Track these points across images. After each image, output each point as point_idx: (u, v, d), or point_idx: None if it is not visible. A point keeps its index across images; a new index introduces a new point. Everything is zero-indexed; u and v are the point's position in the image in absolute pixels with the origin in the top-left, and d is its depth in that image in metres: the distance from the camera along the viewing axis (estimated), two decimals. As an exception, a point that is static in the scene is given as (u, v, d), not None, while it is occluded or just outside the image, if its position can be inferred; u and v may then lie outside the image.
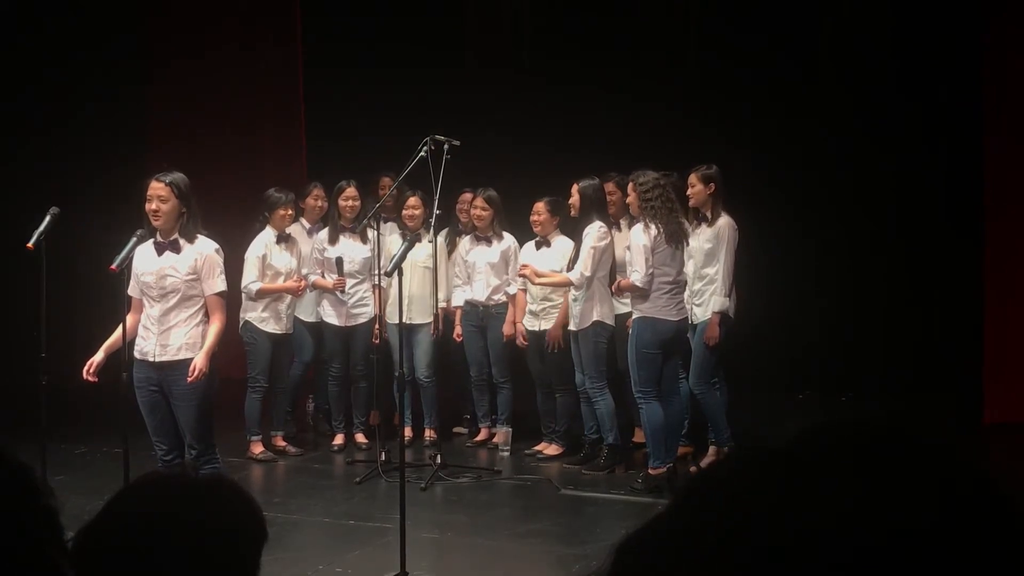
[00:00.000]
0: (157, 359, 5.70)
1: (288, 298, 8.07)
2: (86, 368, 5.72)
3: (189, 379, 5.59)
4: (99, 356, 5.75)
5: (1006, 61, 8.58)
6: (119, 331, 5.70)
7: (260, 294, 7.88)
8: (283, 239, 8.04)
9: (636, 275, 6.96)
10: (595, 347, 7.52)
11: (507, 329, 8.19)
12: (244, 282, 7.81)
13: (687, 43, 9.82)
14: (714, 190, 7.30)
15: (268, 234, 7.99)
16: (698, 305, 7.36)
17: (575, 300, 7.56)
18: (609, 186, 7.82)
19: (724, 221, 7.29)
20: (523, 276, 7.79)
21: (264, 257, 7.91)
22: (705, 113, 9.60)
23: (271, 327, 8.00)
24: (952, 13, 8.98)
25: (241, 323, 7.96)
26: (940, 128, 9.20)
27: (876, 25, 9.32)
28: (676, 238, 7.01)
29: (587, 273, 7.39)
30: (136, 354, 5.77)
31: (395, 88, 10.04)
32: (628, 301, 7.31)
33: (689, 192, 7.36)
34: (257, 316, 7.96)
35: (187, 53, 10.82)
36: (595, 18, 9.91)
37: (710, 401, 7.38)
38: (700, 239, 7.35)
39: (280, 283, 7.96)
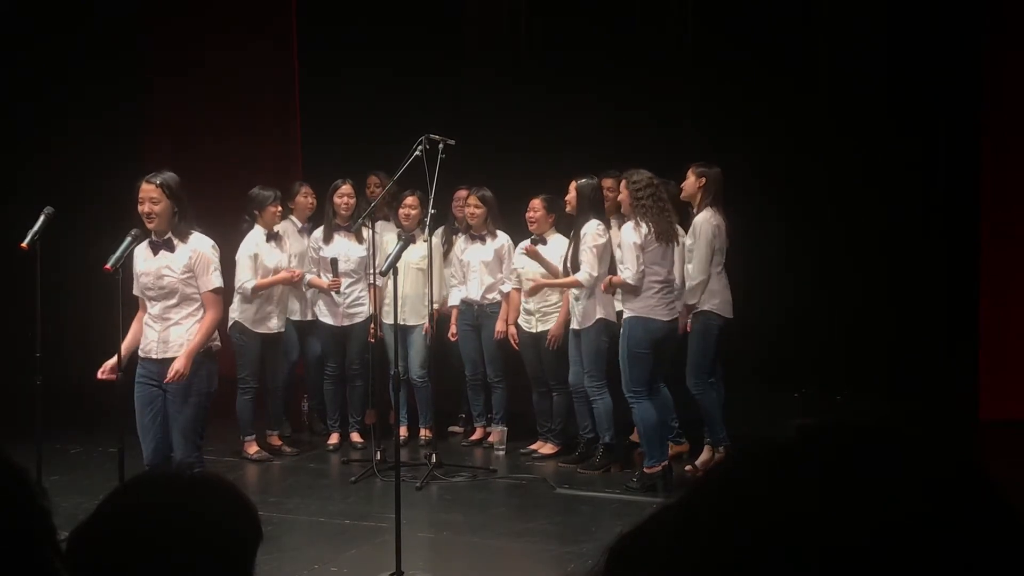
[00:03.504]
0: (158, 356, 5.71)
1: (276, 297, 8.04)
2: (101, 370, 5.71)
3: (166, 379, 5.58)
4: (114, 360, 5.71)
5: (1006, 61, 8.59)
6: (134, 330, 5.72)
7: (256, 291, 7.86)
8: (272, 237, 8.02)
9: (627, 272, 6.96)
10: (598, 345, 7.49)
11: (499, 327, 8.18)
12: (238, 282, 7.79)
13: (686, 43, 9.82)
14: (704, 184, 7.30)
15: (258, 233, 7.96)
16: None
17: (577, 299, 7.54)
18: (608, 182, 7.80)
19: (700, 217, 7.29)
20: (530, 291, 7.78)
21: (257, 256, 7.89)
22: (704, 113, 9.60)
23: (261, 327, 7.98)
24: (952, 13, 8.98)
25: (230, 323, 7.92)
26: (938, 127, 9.20)
27: (875, 25, 9.32)
28: (667, 237, 7.02)
29: (594, 273, 7.35)
30: (139, 352, 5.79)
31: (392, 90, 10.04)
32: (619, 299, 7.33)
33: (683, 184, 7.38)
34: (247, 317, 7.93)
35: (186, 59, 10.84)
36: (593, 19, 9.91)
37: (707, 400, 7.37)
38: (683, 238, 7.38)
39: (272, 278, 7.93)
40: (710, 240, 7.23)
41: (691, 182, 7.35)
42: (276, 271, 7.98)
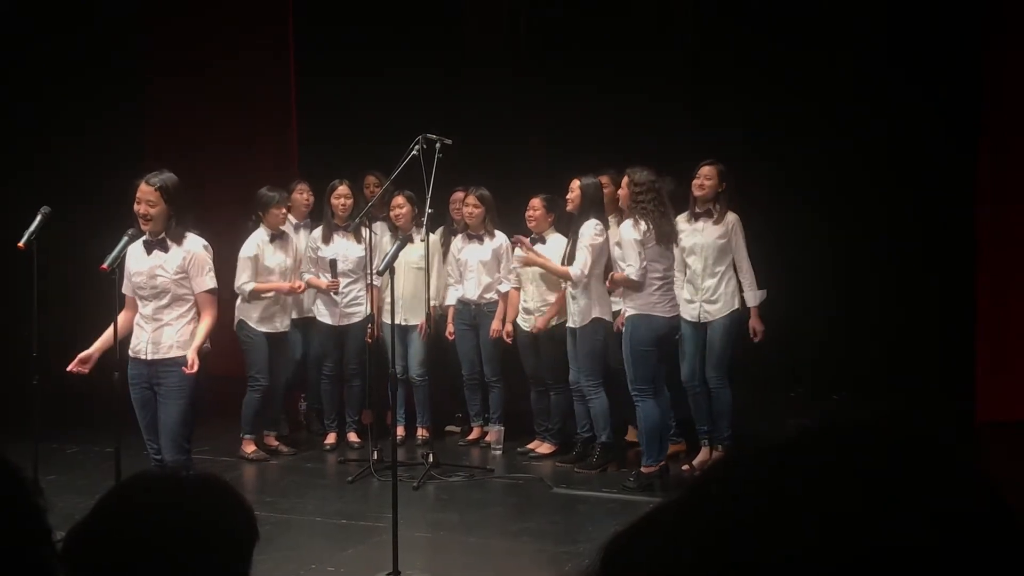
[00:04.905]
0: (149, 357, 5.71)
1: (281, 297, 8.05)
2: (76, 360, 5.69)
3: (185, 370, 5.58)
4: (90, 350, 5.72)
5: (1006, 61, 8.59)
6: (111, 329, 5.68)
7: (253, 294, 7.86)
8: (276, 237, 8.02)
9: (630, 269, 6.97)
10: (594, 344, 7.51)
11: (495, 325, 8.17)
12: (237, 283, 7.80)
13: (685, 41, 9.81)
14: (725, 188, 7.34)
15: (261, 234, 7.97)
16: (711, 303, 7.36)
17: (574, 298, 7.55)
18: (604, 179, 7.79)
19: (733, 217, 7.32)
20: (519, 244, 7.73)
21: (256, 257, 7.89)
22: (703, 112, 9.59)
23: (267, 327, 7.98)
24: (952, 13, 8.97)
25: (236, 322, 7.94)
26: (937, 126, 9.19)
27: (875, 25, 9.31)
28: (667, 238, 7.03)
29: (586, 270, 7.37)
30: (130, 352, 5.79)
31: (390, 90, 10.02)
32: (619, 299, 7.34)
33: (702, 183, 7.35)
34: (253, 316, 7.94)
35: (186, 59, 10.83)
36: (592, 16, 9.90)
37: (725, 396, 7.41)
38: (709, 236, 7.35)
39: (274, 282, 7.93)
40: (745, 239, 7.28)
41: (714, 184, 7.33)
42: (281, 273, 7.97)
